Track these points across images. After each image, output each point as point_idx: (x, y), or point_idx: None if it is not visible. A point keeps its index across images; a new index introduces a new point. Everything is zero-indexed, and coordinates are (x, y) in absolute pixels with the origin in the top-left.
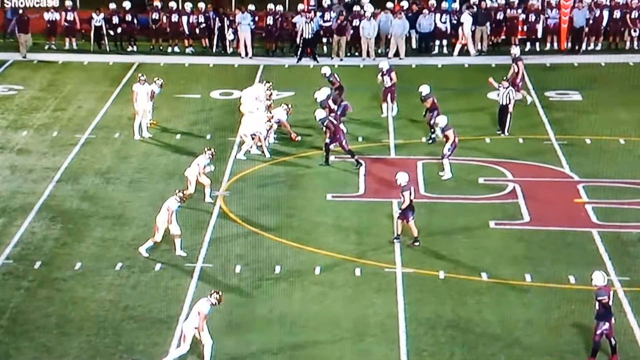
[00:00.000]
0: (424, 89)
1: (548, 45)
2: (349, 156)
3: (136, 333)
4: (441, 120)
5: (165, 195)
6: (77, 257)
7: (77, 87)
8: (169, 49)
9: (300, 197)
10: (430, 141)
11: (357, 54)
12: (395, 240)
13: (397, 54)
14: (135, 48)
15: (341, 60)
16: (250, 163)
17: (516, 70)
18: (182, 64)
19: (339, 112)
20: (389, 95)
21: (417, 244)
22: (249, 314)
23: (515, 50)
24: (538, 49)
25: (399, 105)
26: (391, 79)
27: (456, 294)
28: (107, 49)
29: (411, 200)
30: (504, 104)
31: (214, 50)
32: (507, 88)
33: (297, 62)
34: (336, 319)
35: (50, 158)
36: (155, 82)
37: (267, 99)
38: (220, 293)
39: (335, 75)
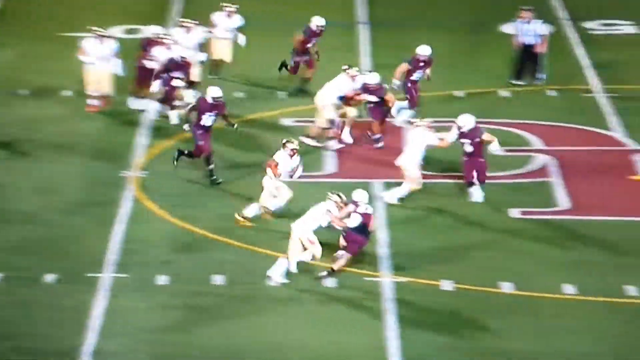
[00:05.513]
0: None
1: None
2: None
3: None
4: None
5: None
6: None
7: None
8: None
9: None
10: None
11: None
12: (322, 275)
13: None
14: None
15: None
16: (173, 131)
17: None
18: None
19: None
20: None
21: (324, 274)
22: (182, 345)
23: None
24: None
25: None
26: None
27: (469, 313)
28: None
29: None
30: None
31: None
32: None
33: None
34: (299, 350)
35: None
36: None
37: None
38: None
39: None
